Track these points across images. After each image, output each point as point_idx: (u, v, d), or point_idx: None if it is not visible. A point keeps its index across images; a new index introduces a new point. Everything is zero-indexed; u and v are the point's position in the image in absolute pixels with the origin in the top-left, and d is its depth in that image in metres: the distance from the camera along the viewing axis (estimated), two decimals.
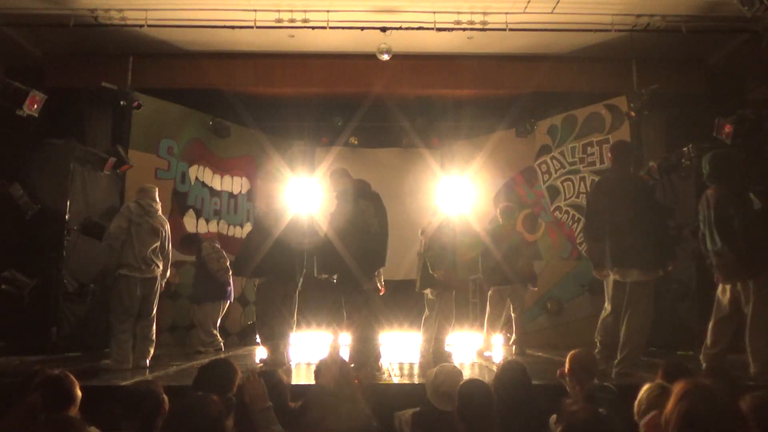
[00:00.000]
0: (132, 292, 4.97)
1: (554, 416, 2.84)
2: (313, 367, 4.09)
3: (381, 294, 5.38)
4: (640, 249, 4.25)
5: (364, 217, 4.69)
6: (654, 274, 4.33)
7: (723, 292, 4.36)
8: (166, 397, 2.56)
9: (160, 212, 5.30)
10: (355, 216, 4.69)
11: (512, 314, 6.27)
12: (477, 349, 6.14)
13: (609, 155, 4.81)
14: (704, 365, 4.27)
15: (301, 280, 5.28)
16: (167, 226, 5.35)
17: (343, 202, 4.84)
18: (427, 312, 5.70)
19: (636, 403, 2.42)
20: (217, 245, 6.64)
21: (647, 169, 6.52)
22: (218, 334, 6.53)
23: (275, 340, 5.08)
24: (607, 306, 4.53)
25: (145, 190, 5.27)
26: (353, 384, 3.16)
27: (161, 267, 5.21)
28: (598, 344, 4.58)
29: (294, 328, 5.36)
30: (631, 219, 4.30)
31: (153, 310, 5.18)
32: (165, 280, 5.36)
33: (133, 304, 4.98)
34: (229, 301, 6.66)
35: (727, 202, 4.19)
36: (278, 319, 5.10)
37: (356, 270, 4.61)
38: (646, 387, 2.44)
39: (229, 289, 6.55)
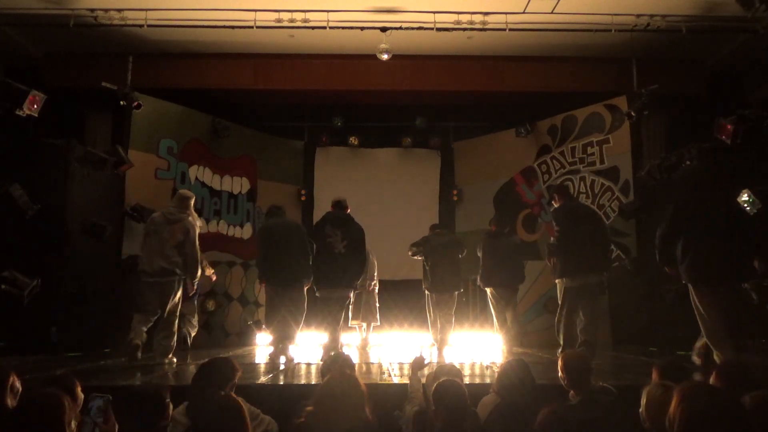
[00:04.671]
0: (147, 295, 5.04)
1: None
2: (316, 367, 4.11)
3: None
4: (592, 259, 5.04)
5: (330, 241, 5.26)
6: (602, 276, 5.16)
7: None
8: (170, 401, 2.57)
9: (186, 219, 5.16)
10: (320, 241, 5.31)
11: (506, 314, 6.29)
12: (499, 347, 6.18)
13: (555, 196, 5.45)
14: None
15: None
16: (192, 231, 5.17)
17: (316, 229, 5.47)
18: (432, 313, 5.75)
19: (643, 405, 2.40)
20: None
21: (647, 170, 6.51)
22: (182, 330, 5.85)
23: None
24: (566, 312, 5.13)
25: (178, 197, 5.35)
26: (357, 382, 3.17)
27: (180, 272, 5.13)
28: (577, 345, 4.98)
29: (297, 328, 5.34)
30: (587, 236, 5.05)
31: (171, 310, 5.12)
32: (195, 280, 5.24)
33: (148, 306, 5.04)
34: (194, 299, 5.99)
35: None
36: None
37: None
38: (647, 389, 2.42)
39: None
